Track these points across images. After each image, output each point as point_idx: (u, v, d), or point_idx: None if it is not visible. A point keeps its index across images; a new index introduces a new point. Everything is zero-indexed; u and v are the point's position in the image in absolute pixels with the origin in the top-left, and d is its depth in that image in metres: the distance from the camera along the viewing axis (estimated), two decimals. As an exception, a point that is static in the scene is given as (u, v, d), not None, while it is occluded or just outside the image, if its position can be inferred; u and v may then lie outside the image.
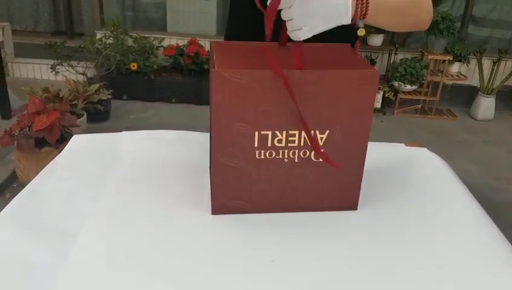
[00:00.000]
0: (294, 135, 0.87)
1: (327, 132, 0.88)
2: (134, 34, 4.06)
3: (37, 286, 0.75)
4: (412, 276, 0.81)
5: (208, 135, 1.12)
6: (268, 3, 0.79)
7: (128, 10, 4.74)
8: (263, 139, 0.87)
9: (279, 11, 0.80)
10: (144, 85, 4.02)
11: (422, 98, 4.30)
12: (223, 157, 0.88)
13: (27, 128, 2.48)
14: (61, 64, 3.70)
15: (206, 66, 4.02)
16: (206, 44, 4.15)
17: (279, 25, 0.85)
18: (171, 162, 1.14)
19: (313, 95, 0.84)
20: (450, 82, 4.41)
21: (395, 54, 4.39)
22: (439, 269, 0.83)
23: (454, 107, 4.47)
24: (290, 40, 0.84)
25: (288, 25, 0.81)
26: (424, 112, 4.34)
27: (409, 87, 4.18)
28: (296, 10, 0.79)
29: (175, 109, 4.01)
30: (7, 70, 4.07)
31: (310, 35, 0.82)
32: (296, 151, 0.89)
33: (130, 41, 4.01)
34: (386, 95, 4.24)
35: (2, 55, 3.37)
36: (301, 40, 0.82)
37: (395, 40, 4.51)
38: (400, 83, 4.16)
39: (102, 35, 3.96)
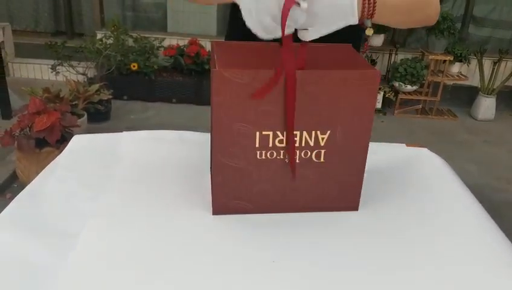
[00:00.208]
0: (295, 136, 0.87)
1: (328, 132, 0.88)
2: (134, 34, 4.06)
3: (37, 286, 0.74)
4: (413, 276, 0.81)
5: (208, 135, 1.12)
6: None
7: (128, 10, 4.74)
8: (264, 139, 0.87)
9: None
10: (144, 85, 4.02)
11: (422, 98, 4.30)
12: (224, 157, 0.88)
13: (27, 129, 2.48)
14: (62, 65, 3.70)
15: (206, 66, 4.01)
16: (206, 44, 4.15)
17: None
18: (172, 162, 1.13)
19: (314, 95, 0.84)
20: (451, 82, 4.41)
21: (396, 54, 4.39)
22: (439, 269, 0.83)
23: (454, 108, 4.47)
24: (296, 40, 0.83)
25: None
26: (424, 112, 4.34)
27: (409, 87, 4.18)
28: (303, 11, 0.79)
29: (175, 109, 4.00)
30: (7, 71, 4.07)
31: (316, 37, 0.82)
32: (297, 151, 0.89)
33: (130, 42, 4.01)
34: (387, 96, 4.24)
35: (3, 55, 3.37)
36: (307, 40, 0.82)
37: (395, 40, 4.51)
38: (401, 83, 4.16)
39: (103, 35, 3.96)
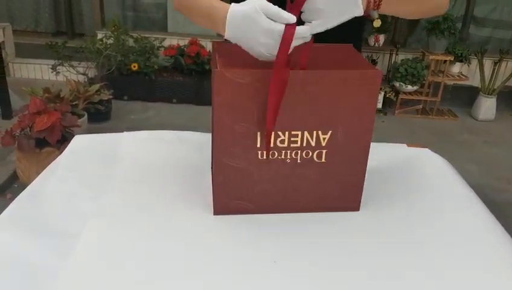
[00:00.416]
0: (296, 136, 0.87)
1: (330, 132, 0.88)
2: (135, 34, 4.05)
3: (37, 286, 0.74)
4: (414, 276, 0.81)
5: (208, 135, 1.12)
6: None
7: (129, 10, 4.74)
8: (265, 139, 0.87)
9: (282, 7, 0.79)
10: (144, 85, 4.02)
11: (423, 98, 4.29)
12: (225, 157, 0.88)
13: (28, 129, 2.48)
14: (62, 65, 3.70)
15: (207, 67, 4.01)
16: (207, 44, 4.15)
17: None
18: (172, 162, 1.13)
19: (315, 95, 0.84)
20: (451, 82, 4.40)
21: (396, 54, 4.38)
22: (441, 270, 0.82)
23: (455, 108, 4.46)
24: None
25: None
26: (425, 113, 4.33)
27: (410, 87, 4.17)
28: (307, 4, 0.79)
29: (176, 109, 4.00)
30: (8, 71, 4.07)
31: (322, 29, 0.81)
32: (299, 151, 0.89)
33: (130, 42, 4.01)
34: (387, 96, 4.23)
35: (3, 55, 3.37)
36: (313, 33, 0.81)
37: (396, 40, 4.51)
38: (401, 83, 4.16)
39: (103, 35, 3.96)
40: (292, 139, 0.88)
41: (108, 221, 0.91)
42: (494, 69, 4.27)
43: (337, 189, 0.95)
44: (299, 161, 0.90)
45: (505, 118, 4.38)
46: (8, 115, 3.32)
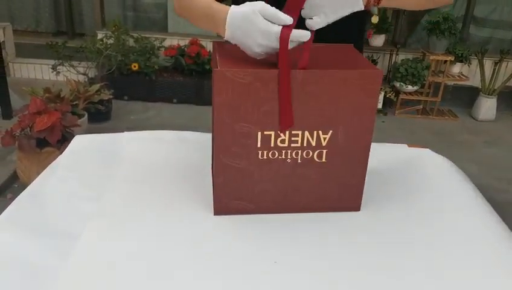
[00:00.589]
0: (297, 135, 0.87)
1: (330, 132, 0.88)
2: (135, 34, 4.05)
3: (37, 286, 0.74)
4: (415, 276, 0.80)
5: (209, 135, 1.12)
6: None
7: (129, 10, 4.74)
8: (266, 139, 0.87)
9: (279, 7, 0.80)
10: (145, 85, 4.02)
11: (423, 98, 4.29)
12: (225, 157, 0.88)
13: (28, 129, 2.48)
14: (62, 65, 3.69)
15: (207, 67, 4.01)
16: (207, 44, 4.15)
17: None
18: (173, 162, 1.13)
19: (316, 95, 0.84)
20: (452, 83, 4.40)
21: (397, 54, 4.38)
22: (441, 270, 0.82)
23: (455, 108, 4.46)
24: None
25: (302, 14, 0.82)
26: (425, 113, 4.33)
27: (410, 87, 4.17)
28: (307, 0, 0.80)
29: (176, 109, 4.00)
30: (8, 71, 4.07)
31: (323, 25, 0.82)
32: (299, 151, 0.89)
33: (131, 42, 4.01)
34: (388, 96, 4.23)
35: (3, 55, 3.37)
36: (314, 29, 0.82)
37: (396, 40, 4.50)
38: (401, 83, 4.16)
39: (104, 35, 3.96)
40: (293, 139, 0.87)
41: (108, 221, 0.91)
42: (494, 70, 4.27)
43: (337, 189, 0.94)
44: (299, 161, 0.90)
45: (506, 119, 4.38)
46: (8, 115, 3.32)
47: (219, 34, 0.86)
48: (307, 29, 0.82)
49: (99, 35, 4.10)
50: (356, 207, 0.98)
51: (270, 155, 0.88)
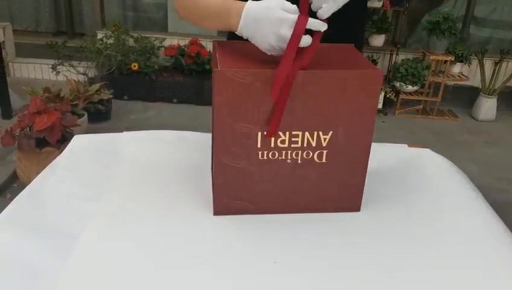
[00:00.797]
0: (297, 136, 0.87)
1: (330, 132, 0.88)
2: (135, 34, 4.05)
3: (37, 286, 0.74)
4: (415, 277, 0.80)
5: (209, 135, 1.12)
6: None
7: (129, 10, 4.74)
8: (266, 139, 0.86)
9: None
10: (145, 85, 4.02)
11: (423, 98, 4.29)
12: (225, 157, 0.87)
13: (28, 129, 2.48)
14: (62, 64, 3.69)
15: (207, 66, 4.01)
16: (207, 44, 4.15)
17: None
18: (172, 162, 1.13)
19: (316, 95, 0.84)
20: (452, 83, 4.40)
21: (397, 54, 4.38)
22: (442, 270, 0.82)
23: (455, 108, 4.46)
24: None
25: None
26: (425, 113, 4.33)
27: (410, 87, 4.17)
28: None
29: (176, 109, 4.00)
30: (8, 70, 4.07)
31: (333, 10, 0.82)
32: (299, 152, 0.89)
33: (131, 42, 4.00)
34: (388, 96, 4.23)
35: (3, 55, 3.37)
36: (325, 17, 0.82)
37: (396, 40, 4.50)
38: (402, 83, 4.16)
39: (103, 35, 3.95)
40: (293, 139, 0.87)
41: (107, 221, 0.91)
42: (494, 70, 4.27)
43: (337, 189, 0.94)
44: (299, 162, 0.90)
45: (506, 119, 4.38)
46: (8, 114, 3.32)
47: (228, 29, 0.87)
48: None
49: (99, 35, 4.10)
50: (356, 207, 0.98)
51: (270, 155, 0.88)
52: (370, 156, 0.92)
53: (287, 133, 0.86)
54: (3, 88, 3.31)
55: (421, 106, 4.38)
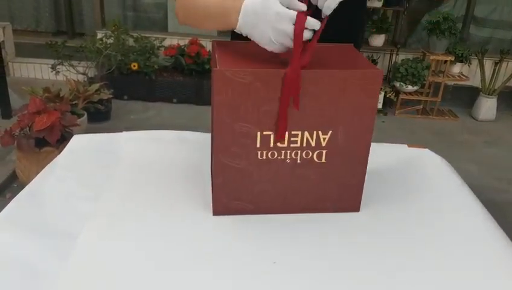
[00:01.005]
0: (296, 136, 0.87)
1: (330, 132, 0.88)
2: (135, 34, 4.05)
3: (37, 286, 0.74)
4: (414, 277, 0.80)
5: (208, 135, 1.12)
6: None
7: (129, 10, 4.74)
8: (265, 139, 0.86)
9: None
10: (144, 85, 4.02)
11: (423, 98, 4.29)
12: (225, 157, 0.87)
13: (27, 128, 2.47)
14: (62, 64, 3.69)
15: (207, 66, 4.01)
16: (207, 44, 4.15)
17: None
18: (172, 162, 1.13)
19: (316, 95, 0.84)
20: (452, 83, 4.40)
21: (397, 54, 4.38)
22: (441, 270, 0.82)
23: (455, 108, 4.46)
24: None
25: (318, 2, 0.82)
26: (425, 113, 4.33)
27: (410, 87, 4.17)
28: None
29: (176, 109, 4.00)
30: (8, 70, 4.07)
31: (336, 4, 0.81)
32: (299, 152, 0.89)
33: (130, 41, 4.00)
34: (388, 96, 4.23)
35: (3, 54, 3.37)
36: (330, 12, 0.81)
37: (396, 40, 4.50)
38: (401, 83, 4.15)
39: (103, 35, 3.95)
40: (292, 139, 0.87)
41: (107, 221, 0.91)
42: (494, 70, 4.27)
43: (337, 190, 0.94)
44: (299, 161, 0.90)
45: (506, 119, 4.38)
46: (7, 114, 3.32)
47: (228, 28, 0.86)
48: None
49: (99, 35, 4.10)
50: (356, 207, 0.97)
51: (269, 155, 0.88)
52: (370, 156, 0.92)
53: (286, 133, 0.86)
54: (3, 88, 3.31)
55: (421, 106, 4.38)
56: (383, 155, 1.19)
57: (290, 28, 0.79)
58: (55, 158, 1.15)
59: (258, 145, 0.87)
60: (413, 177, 1.14)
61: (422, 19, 4.55)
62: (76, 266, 0.78)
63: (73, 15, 4.73)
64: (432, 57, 4.12)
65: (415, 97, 4.27)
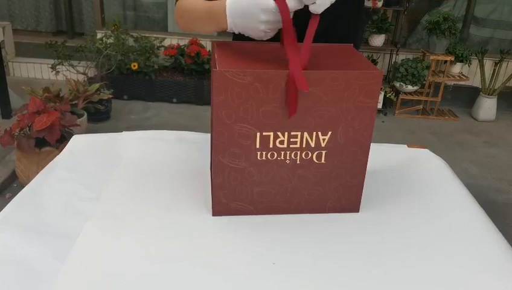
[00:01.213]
0: (296, 136, 0.87)
1: (329, 133, 0.87)
2: (135, 34, 4.05)
3: (36, 286, 0.74)
4: (413, 277, 0.80)
5: (208, 135, 1.12)
6: None
7: (129, 10, 4.74)
8: (265, 140, 0.86)
9: None
10: (144, 85, 4.02)
11: (423, 98, 4.29)
12: (224, 158, 0.87)
13: (27, 128, 2.47)
14: (62, 64, 3.69)
15: (207, 66, 4.01)
16: (207, 44, 4.15)
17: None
18: (172, 162, 1.13)
19: (315, 96, 0.84)
20: (452, 83, 4.39)
21: (397, 54, 4.38)
22: (439, 270, 0.82)
23: (455, 108, 4.46)
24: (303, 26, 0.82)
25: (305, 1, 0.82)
26: (425, 113, 4.33)
27: (410, 87, 4.17)
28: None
29: (176, 109, 4.00)
30: (8, 70, 4.07)
31: (328, 4, 0.81)
32: (298, 152, 0.89)
33: (130, 41, 4.00)
34: (388, 96, 4.23)
35: (3, 54, 3.37)
36: (320, 12, 0.81)
37: (396, 40, 4.50)
38: (401, 83, 4.15)
39: (103, 34, 3.95)
40: (291, 140, 0.87)
41: (107, 221, 0.91)
42: (494, 70, 4.27)
43: (336, 190, 0.94)
44: (298, 162, 0.90)
45: (506, 119, 4.38)
46: (7, 114, 3.32)
47: (222, 29, 0.88)
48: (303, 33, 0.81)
49: (99, 35, 4.10)
50: (355, 208, 0.97)
51: (268, 156, 0.88)
52: (369, 156, 0.92)
53: (286, 133, 0.86)
54: (3, 88, 3.31)
55: (421, 106, 4.38)
56: (382, 155, 1.19)
57: (277, 16, 0.79)
58: (55, 158, 1.15)
59: (257, 146, 0.87)
60: (413, 177, 1.14)
61: (422, 19, 4.55)
62: (75, 266, 0.78)
63: (73, 15, 4.73)
64: (431, 57, 4.11)
65: (415, 97, 4.27)
